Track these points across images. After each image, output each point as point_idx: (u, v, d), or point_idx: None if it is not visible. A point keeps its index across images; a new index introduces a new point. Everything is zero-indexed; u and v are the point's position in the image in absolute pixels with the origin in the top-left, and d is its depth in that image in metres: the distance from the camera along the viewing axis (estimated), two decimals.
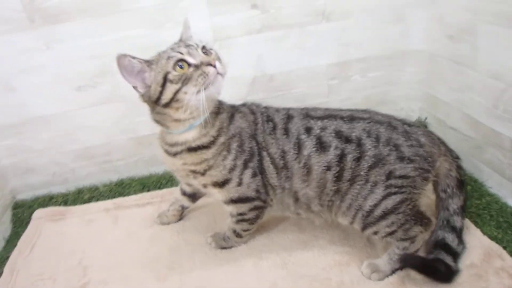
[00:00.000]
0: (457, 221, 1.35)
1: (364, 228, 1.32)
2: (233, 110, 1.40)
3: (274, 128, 1.35)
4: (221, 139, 1.31)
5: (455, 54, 1.79)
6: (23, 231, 1.82)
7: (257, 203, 1.39)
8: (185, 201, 1.67)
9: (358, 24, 1.94)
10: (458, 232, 1.35)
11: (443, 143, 1.36)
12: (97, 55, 1.79)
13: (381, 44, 2.00)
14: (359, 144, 1.26)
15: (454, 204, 1.35)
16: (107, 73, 1.82)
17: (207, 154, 1.31)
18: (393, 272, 1.36)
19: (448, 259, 1.30)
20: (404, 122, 1.34)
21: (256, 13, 1.84)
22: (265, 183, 1.37)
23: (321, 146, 1.29)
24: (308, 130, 1.31)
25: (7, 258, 1.67)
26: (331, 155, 1.27)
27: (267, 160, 1.35)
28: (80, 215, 1.83)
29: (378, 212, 1.26)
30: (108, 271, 1.52)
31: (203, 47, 1.28)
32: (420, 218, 1.31)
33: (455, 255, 1.32)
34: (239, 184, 1.34)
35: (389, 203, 1.25)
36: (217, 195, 1.39)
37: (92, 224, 1.78)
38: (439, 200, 1.39)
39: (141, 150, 2.02)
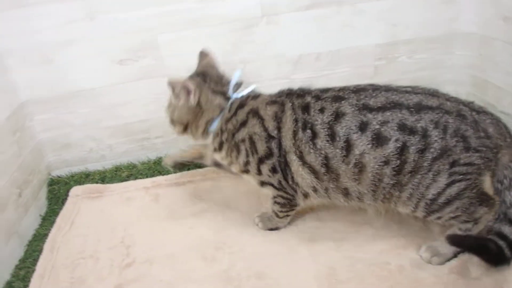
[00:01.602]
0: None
1: (427, 215, 1.25)
2: (251, 113, 1.35)
3: (314, 137, 1.24)
4: (225, 147, 1.40)
5: (509, 35, 1.69)
6: (59, 208, 1.78)
7: (281, 193, 1.37)
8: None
9: (408, 3, 1.84)
10: None
11: (509, 132, 1.25)
12: (141, 28, 1.72)
13: (430, 25, 1.91)
14: (425, 135, 1.15)
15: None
16: (150, 47, 1.76)
17: (222, 154, 1.43)
18: (455, 255, 1.29)
19: (502, 244, 1.20)
20: (472, 108, 1.22)
21: None
22: (293, 182, 1.33)
23: (378, 141, 1.17)
24: (363, 127, 1.18)
25: (45, 235, 1.63)
26: (390, 148, 1.16)
27: (296, 164, 1.28)
28: (119, 193, 1.77)
29: (442, 199, 1.20)
30: (152, 251, 1.46)
31: None
32: (485, 200, 1.23)
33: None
34: (259, 174, 1.37)
35: (454, 190, 1.18)
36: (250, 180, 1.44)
37: (131, 203, 1.72)
38: (495, 192, 1.28)
39: None
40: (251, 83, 1.45)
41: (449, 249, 1.28)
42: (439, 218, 1.25)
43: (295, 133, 1.26)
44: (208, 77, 1.42)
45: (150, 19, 1.71)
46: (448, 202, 1.20)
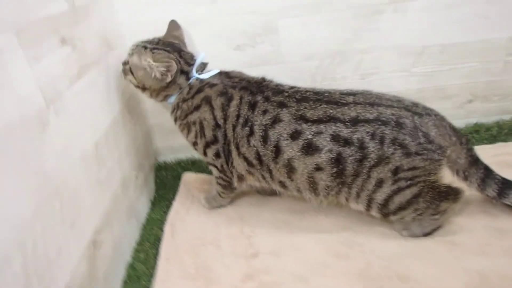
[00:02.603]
0: (494, 188, 1.32)
1: (385, 216, 1.31)
2: (205, 100, 1.40)
3: (250, 135, 1.32)
4: (178, 123, 1.48)
5: None
6: (167, 194, 1.77)
7: (222, 175, 1.48)
8: None
9: None
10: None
11: (453, 130, 1.28)
12: (262, 12, 1.66)
13: None
14: (362, 147, 1.21)
15: (476, 181, 1.32)
16: (270, 31, 1.70)
17: (176, 126, 1.51)
18: None
19: None
20: (415, 112, 1.24)
21: None
22: (231, 166, 1.43)
23: (309, 149, 1.24)
24: (295, 135, 1.26)
25: (157, 219, 1.62)
26: (323, 158, 1.23)
27: (235, 153, 1.38)
28: None
29: (394, 205, 1.26)
30: (276, 243, 1.40)
31: None
32: (446, 195, 1.28)
33: None
34: (204, 155, 1.47)
35: (405, 197, 1.24)
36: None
37: (243, 195, 1.67)
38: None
39: None
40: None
41: None
42: (401, 218, 1.31)
43: (234, 127, 1.35)
44: (182, 55, 1.44)
45: (271, 2, 1.65)
46: (403, 207, 1.26)
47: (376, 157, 1.20)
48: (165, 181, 1.84)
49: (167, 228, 1.50)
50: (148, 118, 1.87)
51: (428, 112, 1.26)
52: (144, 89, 1.46)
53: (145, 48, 1.41)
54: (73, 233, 1.09)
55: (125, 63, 1.45)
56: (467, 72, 1.81)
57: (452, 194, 1.30)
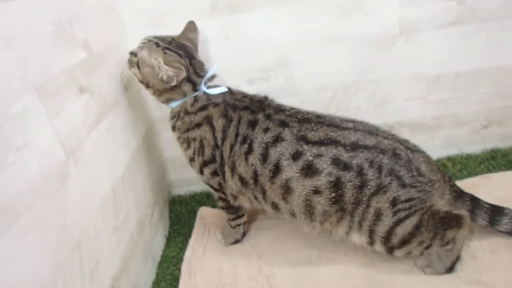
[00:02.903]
0: (484, 217, 1.33)
1: (389, 251, 1.28)
2: (206, 119, 1.39)
3: (249, 152, 1.31)
4: (177, 133, 1.45)
5: None
6: (181, 229, 1.75)
7: (220, 194, 1.46)
8: None
9: None
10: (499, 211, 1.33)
11: (438, 168, 1.32)
12: (275, 47, 1.67)
13: None
14: (361, 173, 1.21)
15: (466, 212, 1.31)
16: (282, 65, 1.70)
17: (174, 136, 1.48)
18: None
19: None
20: (407, 147, 1.28)
21: (452, 4, 1.62)
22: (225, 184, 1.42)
23: (309, 171, 1.23)
24: (296, 156, 1.25)
25: (173, 257, 1.60)
26: (322, 180, 1.22)
27: (229, 174, 1.37)
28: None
29: (397, 238, 1.24)
30: (296, 283, 1.37)
31: None
32: (449, 222, 1.25)
33: None
34: (201, 173, 1.45)
35: (406, 228, 1.23)
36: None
37: (261, 230, 1.64)
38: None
39: None
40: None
41: None
42: (408, 253, 1.29)
43: (232, 146, 1.34)
44: (193, 63, 1.40)
45: (284, 37, 1.65)
46: (407, 240, 1.24)
47: (375, 185, 1.21)
48: (179, 216, 1.82)
49: (184, 268, 1.48)
50: (163, 152, 1.86)
51: (417, 149, 1.31)
52: (147, 86, 1.41)
53: (158, 45, 1.36)
54: (91, 283, 1.08)
55: (133, 54, 1.38)
56: (481, 98, 1.80)
57: (454, 220, 1.27)
